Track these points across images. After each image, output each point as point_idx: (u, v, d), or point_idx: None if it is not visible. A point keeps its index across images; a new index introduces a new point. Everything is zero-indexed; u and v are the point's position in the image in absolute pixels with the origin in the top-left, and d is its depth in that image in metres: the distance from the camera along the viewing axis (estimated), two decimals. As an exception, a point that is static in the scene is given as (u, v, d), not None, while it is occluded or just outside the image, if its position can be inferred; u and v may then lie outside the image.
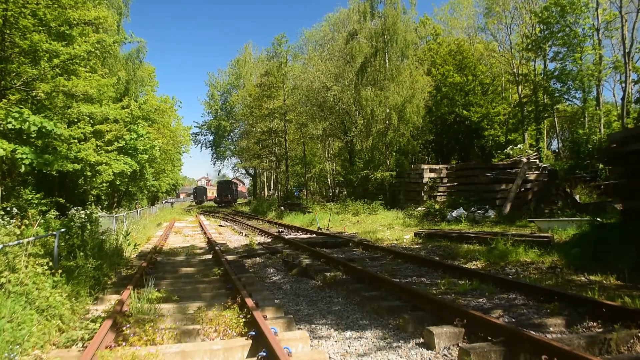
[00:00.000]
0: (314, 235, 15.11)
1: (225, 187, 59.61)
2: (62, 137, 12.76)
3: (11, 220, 6.36)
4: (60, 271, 5.85)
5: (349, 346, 4.46)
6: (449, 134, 33.81)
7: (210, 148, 63.55)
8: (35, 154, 10.44)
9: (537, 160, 19.74)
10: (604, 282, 6.59)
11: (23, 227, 6.35)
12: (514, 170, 18.39)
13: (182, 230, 20.59)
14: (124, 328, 4.67)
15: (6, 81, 12.42)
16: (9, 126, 9.99)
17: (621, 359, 3.88)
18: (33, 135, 10.88)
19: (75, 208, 10.43)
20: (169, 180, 41.58)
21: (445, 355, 4.12)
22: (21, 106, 10.71)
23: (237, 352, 4.25)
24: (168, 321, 5.06)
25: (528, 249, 9.09)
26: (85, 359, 3.77)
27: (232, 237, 17.06)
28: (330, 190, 43.67)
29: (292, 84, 37.95)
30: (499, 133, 33.25)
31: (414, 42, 29.68)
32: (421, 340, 4.47)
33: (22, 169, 10.39)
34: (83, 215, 9.60)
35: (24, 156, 10.13)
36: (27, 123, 10.05)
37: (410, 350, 4.25)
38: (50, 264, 6.02)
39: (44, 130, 10.51)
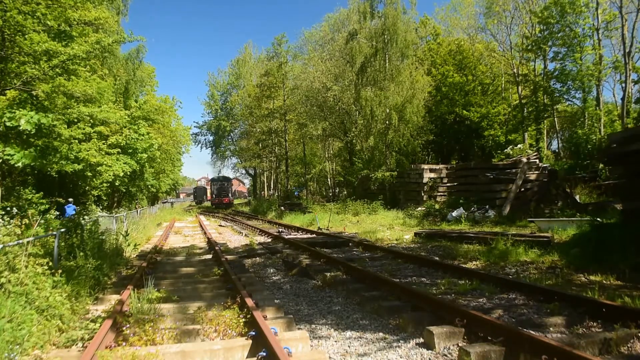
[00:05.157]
0: (314, 235, 15.11)
1: (224, 186, 54.39)
2: (62, 137, 12.78)
3: (11, 220, 6.36)
4: (60, 271, 5.85)
5: (349, 346, 4.46)
6: (449, 134, 33.81)
7: (210, 148, 63.55)
8: (20, 152, 10.45)
9: (537, 160, 19.73)
10: (604, 282, 6.59)
11: (23, 226, 6.34)
12: (514, 170, 18.39)
13: (182, 230, 20.59)
14: (124, 328, 4.67)
15: (6, 81, 12.42)
16: (7, 124, 10.02)
17: (621, 359, 3.88)
18: (32, 133, 10.90)
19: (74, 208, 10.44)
20: (169, 180, 41.63)
21: (445, 355, 4.12)
22: (20, 107, 10.73)
23: (237, 352, 4.25)
24: (168, 321, 5.06)
25: (528, 249, 9.09)
26: (85, 359, 3.77)
27: (232, 237, 17.06)
28: (330, 190, 43.69)
29: (292, 84, 37.93)
30: (499, 133, 33.24)
31: (414, 42, 29.68)
32: (421, 340, 4.47)
33: (16, 164, 10.42)
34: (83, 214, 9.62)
35: (9, 157, 10.18)
36: (23, 119, 10.07)
37: (410, 350, 4.25)
38: (50, 264, 6.02)
39: (42, 125, 10.52)
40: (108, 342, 4.38)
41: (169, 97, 35.69)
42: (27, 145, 11.38)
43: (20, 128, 10.18)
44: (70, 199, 16.51)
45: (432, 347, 4.26)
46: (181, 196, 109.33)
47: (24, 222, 6.46)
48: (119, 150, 18.72)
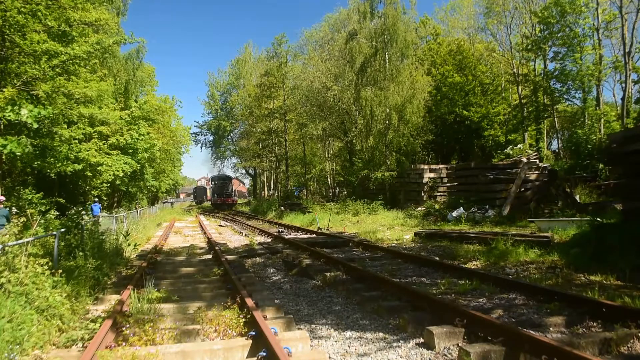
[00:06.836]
0: (314, 235, 15.11)
1: (226, 185, 49.79)
2: (62, 138, 12.80)
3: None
4: (60, 271, 5.85)
5: (349, 346, 4.45)
6: (449, 134, 33.79)
7: (210, 148, 63.48)
8: (13, 142, 10.43)
9: (537, 160, 19.72)
10: (604, 282, 6.58)
11: (21, 225, 6.34)
12: (514, 170, 18.37)
13: (182, 230, 20.58)
14: (124, 328, 4.67)
15: (6, 81, 12.43)
16: (7, 117, 10.03)
17: (621, 359, 3.88)
18: (31, 132, 10.90)
19: (74, 208, 10.44)
20: (169, 180, 41.66)
21: (445, 355, 4.12)
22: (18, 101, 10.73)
23: (237, 352, 4.24)
24: (168, 321, 5.06)
25: (528, 249, 9.09)
26: (85, 359, 3.77)
27: (232, 237, 17.05)
28: (330, 190, 43.67)
29: (292, 84, 37.93)
30: (499, 133, 33.24)
31: (414, 42, 29.68)
32: (421, 340, 4.47)
33: (9, 152, 10.39)
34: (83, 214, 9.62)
35: (1, 148, 10.16)
36: (23, 111, 10.07)
37: (410, 350, 4.25)
38: (50, 264, 6.01)
39: (42, 116, 10.50)
40: (108, 342, 4.38)
41: (168, 97, 35.82)
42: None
43: (22, 120, 10.16)
44: (96, 198, 18.72)
45: (432, 347, 4.25)
46: (181, 196, 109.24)
47: (21, 222, 6.46)
48: (119, 151, 18.76)
